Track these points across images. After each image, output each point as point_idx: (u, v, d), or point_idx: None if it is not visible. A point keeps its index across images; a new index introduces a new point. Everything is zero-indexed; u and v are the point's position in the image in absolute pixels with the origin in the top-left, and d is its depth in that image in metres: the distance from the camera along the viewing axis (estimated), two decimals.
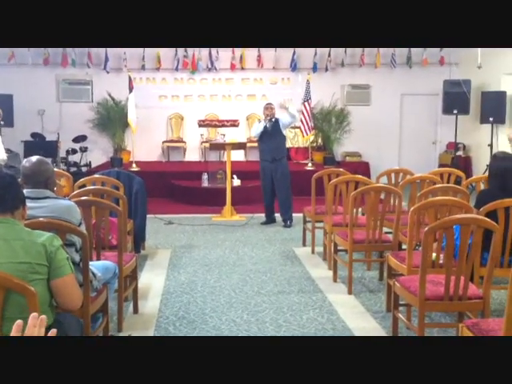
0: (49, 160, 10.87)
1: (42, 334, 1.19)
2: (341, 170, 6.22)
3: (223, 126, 9.42)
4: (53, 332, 1.19)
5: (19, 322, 1.17)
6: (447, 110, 10.47)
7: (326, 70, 11.62)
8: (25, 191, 3.07)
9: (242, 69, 11.69)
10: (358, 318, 4.20)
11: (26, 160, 3.22)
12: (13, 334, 1.16)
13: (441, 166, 10.76)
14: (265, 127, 7.48)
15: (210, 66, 11.59)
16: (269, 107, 7.62)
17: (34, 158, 3.21)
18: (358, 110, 11.76)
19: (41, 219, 3.04)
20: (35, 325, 1.17)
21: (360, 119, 11.64)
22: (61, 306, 2.54)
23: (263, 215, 7.74)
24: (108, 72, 11.34)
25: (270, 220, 7.69)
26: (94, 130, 11.41)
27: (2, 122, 7.16)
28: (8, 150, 10.04)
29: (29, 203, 2.96)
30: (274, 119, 7.53)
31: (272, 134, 7.49)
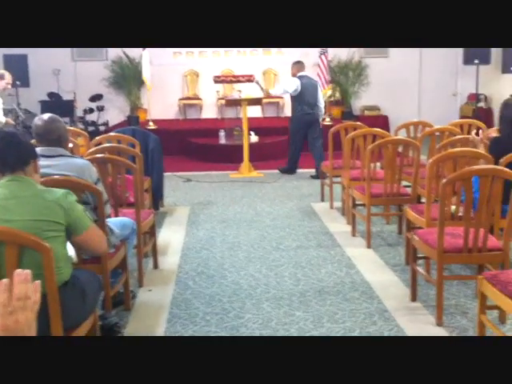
0: (66, 119, 10.72)
1: (31, 290, 1.16)
2: (358, 123, 6.10)
3: (238, 81, 9.29)
4: (36, 284, 1.16)
5: (4, 281, 1.14)
6: (468, 60, 10.13)
7: None
8: (38, 149, 3.07)
9: None
10: (377, 272, 4.19)
11: (37, 118, 3.18)
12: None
13: (462, 118, 10.51)
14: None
15: None
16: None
17: (46, 116, 3.18)
18: (376, 62, 11.47)
19: (56, 177, 3.04)
20: (21, 281, 1.13)
21: (378, 72, 11.37)
22: (90, 254, 2.68)
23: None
24: None
25: (291, 169, 7.71)
26: (110, 88, 11.33)
27: (9, 87, 7.15)
28: (26, 111, 10.07)
29: (43, 161, 2.96)
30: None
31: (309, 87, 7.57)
